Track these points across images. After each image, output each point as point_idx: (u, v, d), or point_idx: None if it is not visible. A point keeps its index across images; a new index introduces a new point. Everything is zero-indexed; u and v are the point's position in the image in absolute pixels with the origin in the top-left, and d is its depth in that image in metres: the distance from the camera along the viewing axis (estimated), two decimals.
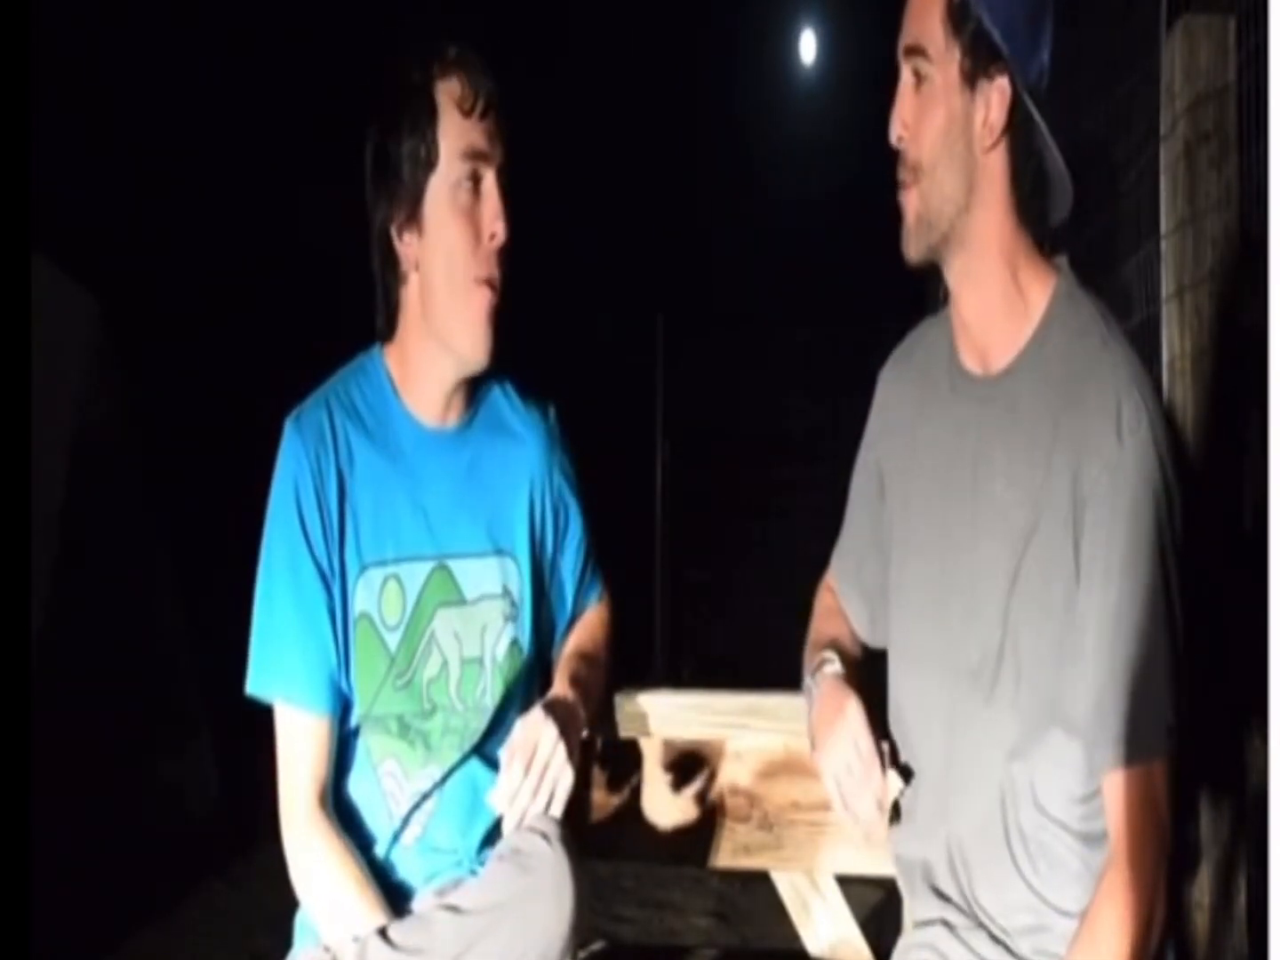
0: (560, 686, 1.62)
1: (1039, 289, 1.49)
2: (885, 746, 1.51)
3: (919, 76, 1.46)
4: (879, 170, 1.55)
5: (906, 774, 1.54)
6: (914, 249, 1.50)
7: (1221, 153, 1.77)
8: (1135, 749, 1.38)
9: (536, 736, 1.46)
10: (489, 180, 1.56)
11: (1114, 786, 1.40)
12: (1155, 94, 1.91)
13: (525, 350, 1.72)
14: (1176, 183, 1.80)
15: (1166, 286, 1.86)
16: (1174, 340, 1.82)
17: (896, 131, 1.49)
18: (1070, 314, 1.47)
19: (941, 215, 1.47)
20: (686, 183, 8.93)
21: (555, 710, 1.51)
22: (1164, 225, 1.86)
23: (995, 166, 1.46)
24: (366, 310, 1.65)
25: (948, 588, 1.53)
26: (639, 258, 8.34)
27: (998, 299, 1.49)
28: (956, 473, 1.53)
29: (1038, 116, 1.44)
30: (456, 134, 1.55)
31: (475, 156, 1.55)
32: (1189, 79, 1.79)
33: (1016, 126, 1.44)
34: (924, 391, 1.60)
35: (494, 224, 1.56)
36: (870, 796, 1.48)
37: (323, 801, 1.55)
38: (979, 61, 1.43)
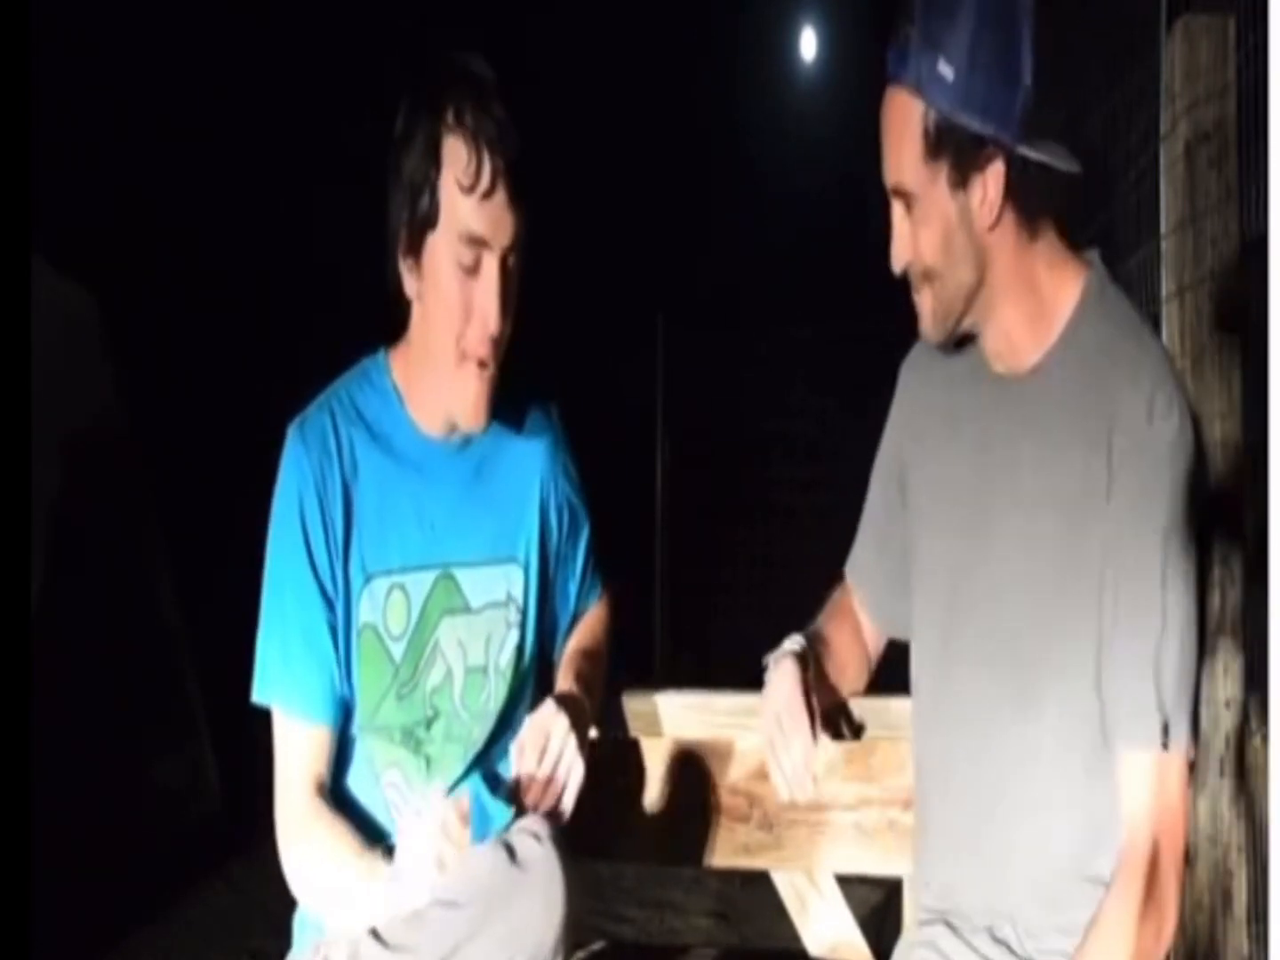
0: (566, 684, 1.62)
1: (1068, 289, 1.48)
2: (817, 707, 1.50)
3: (910, 205, 1.45)
4: (879, 169, 1.54)
5: (845, 731, 1.53)
6: (935, 336, 1.51)
7: (1221, 153, 1.77)
8: (1150, 733, 1.37)
9: (548, 729, 1.45)
10: (489, 267, 1.48)
11: (1130, 773, 1.38)
12: (1155, 94, 1.91)
13: (526, 351, 1.72)
14: (1176, 183, 1.80)
15: (1166, 286, 1.85)
16: (1174, 340, 1.82)
17: (899, 267, 1.48)
18: (1101, 309, 1.47)
19: (957, 301, 1.47)
20: (687, 182, 8.93)
21: (565, 705, 1.50)
22: (1164, 225, 1.86)
23: (1002, 231, 1.44)
24: (370, 311, 1.64)
25: (974, 586, 1.52)
26: (639, 258, 8.34)
27: (1024, 314, 1.48)
28: (984, 469, 1.53)
29: (1033, 155, 1.40)
30: (454, 209, 1.46)
31: (474, 241, 1.47)
32: (1189, 79, 1.79)
33: (1014, 184, 1.41)
34: (950, 390, 1.59)
35: (486, 312, 1.48)
36: (797, 750, 1.48)
37: (321, 795, 1.54)
38: (965, 162, 1.40)
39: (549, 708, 1.48)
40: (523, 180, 1.49)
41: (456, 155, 1.46)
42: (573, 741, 1.46)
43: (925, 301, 1.50)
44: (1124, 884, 1.35)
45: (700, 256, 8.76)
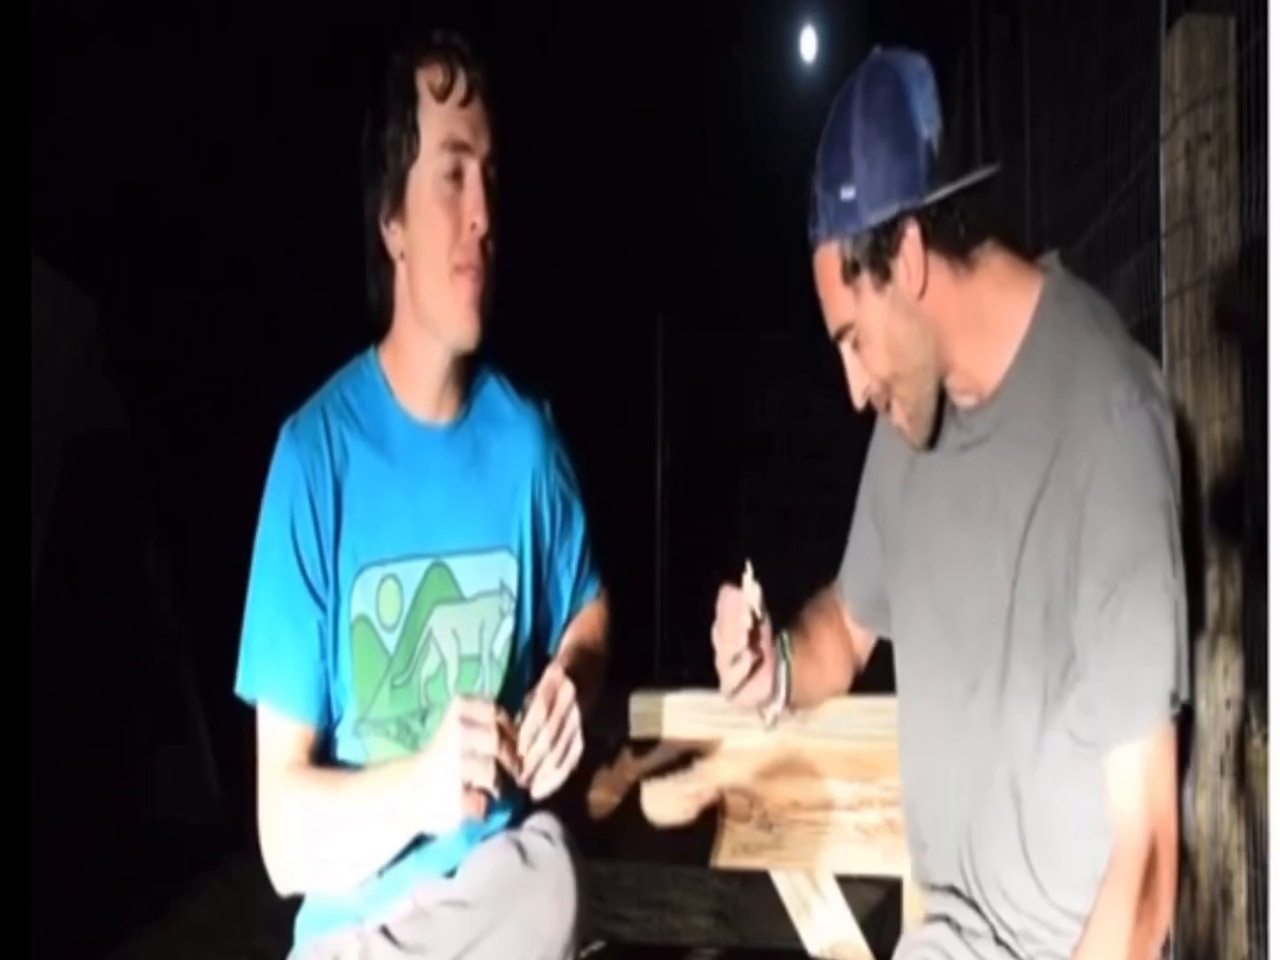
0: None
1: (1022, 304, 1.47)
2: (761, 625, 1.54)
3: (852, 335, 1.47)
4: None
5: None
6: (921, 439, 1.52)
7: (1221, 153, 1.76)
8: (1140, 728, 1.37)
9: (559, 684, 1.43)
10: (471, 171, 1.54)
11: (1120, 768, 1.38)
12: (1155, 94, 1.91)
13: (525, 349, 1.72)
14: (1176, 183, 1.79)
15: (1166, 286, 1.85)
16: (1174, 340, 1.81)
17: (861, 400, 1.50)
18: (1056, 317, 1.46)
19: (926, 386, 1.47)
20: (687, 182, 8.94)
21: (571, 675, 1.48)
22: (1164, 225, 1.86)
23: (935, 288, 1.43)
24: (364, 310, 1.64)
25: (954, 607, 1.53)
26: (639, 258, 8.34)
27: (976, 350, 1.48)
28: (959, 482, 1.53)
29: (944, 193, 1.40)
30: (436, 123, 1.53)
31: (456, 147, 1.53)
32: (1189, 79, 1.78)
33: (932, 236, 1.41)
34: None
35: (474, 214, 1.53)
36: (729, 649, 1.53)
37: (302, 771, 1.52)
38: (880, 256, 1.41)
39: (559, 671, 1.46)
40: (498, 93, 1.55)
41: (431, 75, 1.53)
42: (577, 710, 1.42)
43: (897, 413, 1.51)
44: (1119, 879, 1.36)
45: (700, 256, 8.77)
